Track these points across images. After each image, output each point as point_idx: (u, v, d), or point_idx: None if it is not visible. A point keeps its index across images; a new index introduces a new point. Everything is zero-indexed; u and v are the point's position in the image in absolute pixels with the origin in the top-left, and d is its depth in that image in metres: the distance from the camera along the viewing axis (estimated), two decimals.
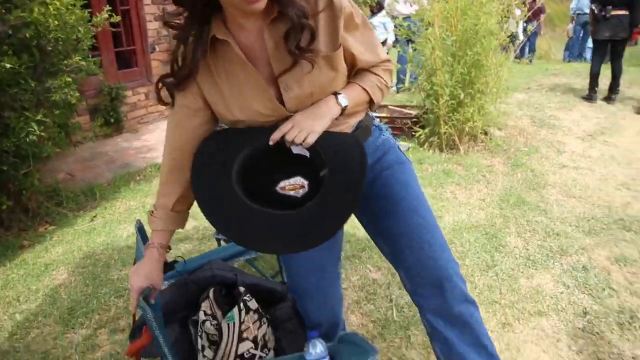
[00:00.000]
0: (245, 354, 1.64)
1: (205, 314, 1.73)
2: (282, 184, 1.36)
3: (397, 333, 2.35)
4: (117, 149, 5.28)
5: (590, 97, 6.10)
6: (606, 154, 4.37)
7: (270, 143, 1.30)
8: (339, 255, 1.69)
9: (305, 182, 1.35)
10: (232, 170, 1.34)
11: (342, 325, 1.79)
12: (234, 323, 1.64)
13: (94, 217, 3.86)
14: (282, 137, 1.29)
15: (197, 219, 3.62)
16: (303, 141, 1.27)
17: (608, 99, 6.05)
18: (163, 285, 1.85)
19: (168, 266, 1.57)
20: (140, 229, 1.77)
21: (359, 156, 1.29)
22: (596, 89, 6.09)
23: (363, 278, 2.77)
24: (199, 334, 1.72)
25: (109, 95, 5.38)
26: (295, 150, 1.36)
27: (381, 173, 1.47)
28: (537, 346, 2.21)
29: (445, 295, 1.40)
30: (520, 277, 2.61)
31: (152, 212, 1.46)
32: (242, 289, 1.76)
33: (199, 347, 1.70)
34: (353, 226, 3.26)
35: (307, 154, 1.36)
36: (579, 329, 2.28)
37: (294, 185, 1.38)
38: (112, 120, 5.45)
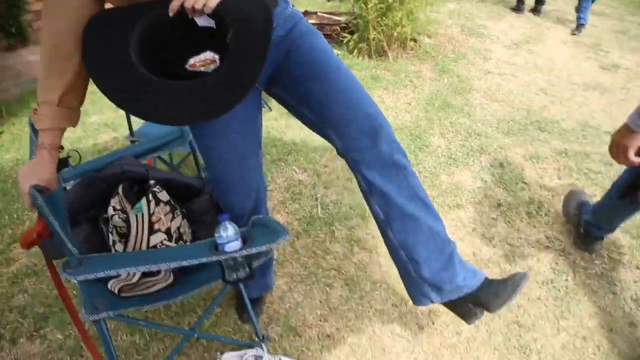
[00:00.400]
0: (158, 245, 1.57)
1: (115, 209, 1.62)
2: (191, 61, 1.23)
3: (322, 229, 2.37)
4: (24, 63, 4.79)
5: (518, 8, 6.16)
6: (529, 62, 4.47)
7: (170, 14, 1.15)
8: (259, 143, 1.62)
9: (216, 56, 1.23)
10: (131, 40, 1.19)
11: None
12: (142, 214, 1.55)
13: (1, 133, 3.53)
14: (183, 6, 1.14)
15: (116, 130, 3.40)
16: (204, 6, 1.14)
17: (535, 10, 6.13)
18: (68, 185, 1.72)
19: (62, 162, 1.42)
20: (33, 125, 1.59)
21: (263, 13, 1.17)
22: (524, 0, 6.14)
23: (289, 180, 2.73)
24: (110, 230, 1.63)
25: (4, 3, 4.75)
26: (200, 22, 1.22)
27: (294, 42, 1.37)
28: (455, 235, 2.31)
29: (380, 144, 1.36)
30: (442, 174, 2.68)
31: (36, 109, 1.28)
32: (152, 182, 1.66)
33: (110, 243, 1.61)
34: (279, 131, 3.18)
35: (213, 24, 1.23)
36: (493, 218, 2.40)
37: (204, 62, 1.26)
38: (12, 30, 4.86)
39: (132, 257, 1.41)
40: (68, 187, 1.69)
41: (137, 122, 2.64)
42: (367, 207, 2.41)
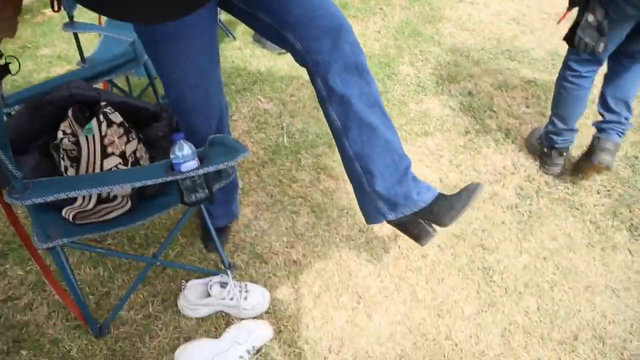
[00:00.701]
0: (112, 169, 1.48)
1: (65, 133, 1.51)
2: None
3: (288, 157, 2.30)
4: None
5: None
6: None
7: None
8: (218, 59, 1.51)
9: None
10: None
11: None
12: (93, 136, 1.45)
13: None
14: None
15: (70, 63, 3.17)
16: None
17: None
18: (12, 110, 1.58)
19: (2, 69, 1.28)
20: None
21: None
22: None
23: (254, 109, 2.63)
24: (61, 156, 1.52)
25: None
26: None
27: None
28: (422, 162, 2.28)
29: (342, 45, 1.28)
30: (410, 102, 2.62)
31: None
32: (104, 103, 1.54)
33: (62, 169, 1.51)
34: (244, 60, 3.03)
35: None
36: (460, 146, 2.38)
37: None
38: None
39: (81, 179, 1.32)
40: (12, 112, 1.56)
41: (89, 49, 2.45)
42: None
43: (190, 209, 1.55)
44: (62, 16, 3.05)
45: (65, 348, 1.55)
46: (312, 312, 1.70)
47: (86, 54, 2.31)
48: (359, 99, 1.34)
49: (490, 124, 2.49)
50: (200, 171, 1.28)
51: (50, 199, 1.20)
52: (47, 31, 3.55)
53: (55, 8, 2.09)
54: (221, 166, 1.30)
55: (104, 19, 2.49)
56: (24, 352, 1.54)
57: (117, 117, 1.51)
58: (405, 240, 1.92)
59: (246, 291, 1.66)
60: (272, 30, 1.33)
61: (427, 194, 1.49)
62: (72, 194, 1.23)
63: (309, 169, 2.22)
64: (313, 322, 1.66)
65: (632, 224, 2.00)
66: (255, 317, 1.66)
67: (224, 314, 1.66)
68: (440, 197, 1.50)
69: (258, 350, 1.57)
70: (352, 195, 2.11)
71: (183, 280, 1.66)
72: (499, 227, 2.00)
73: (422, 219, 1.53)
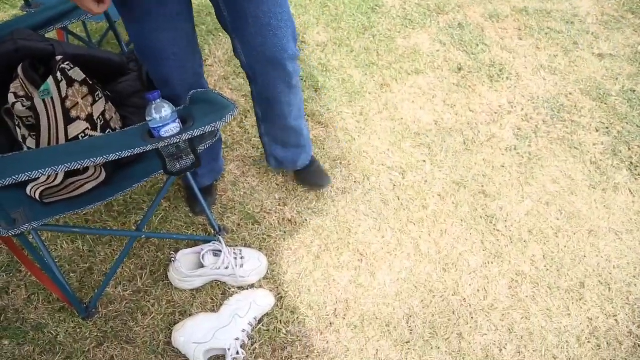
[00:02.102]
0: (80, 136, 1.25)
1: (17, 96, 1.25)
2: None
3: None
4: None
5: None
6: None
7: None
8: (190, 5, 1.26)
9: None
10: None
11: None
12: (51, 98, 1.20)
13: None
14: None
15: (14, 6, 2.75)
16: None
17: None
18: None
19: None
20: None
21: None
22: None
23: (229, 52, 2.35)
24: (16, 123, 1.27)
25: None
26: None
27: None
28: (414, 103, 2.10)
29: (277, 79, 1.39)
30: (398, 38, 2.39)
31: None
32: (59, 57, 1.28)
33: (20, 139, 1.27)
34: None
35: None
36: (454, 84, 2.20)
37: None
38: None
39: (44, 155, 1.09)
40: None
41: None
42: (320, 79, 2.14)
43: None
44: None
45: (52, 333, 1.40)
46: (313, 274, 1.57)
47: None
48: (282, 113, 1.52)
49: (483, 59, 2.31)
50: (185, 136, 1.08)
51: (9, 182, 0.99)
52: None
53: None
54: (208, 128, 1.10)
55: None
56: (5, 342, 1.38)
57: (78, 74, 1.26)
58: (403, 190, 1.80)
59: (241, 257, 1.52)
60: (226, 26, 1.31)
61: (300, 162, 1.74)
62: (35, 174, 1.02)
63: None
64: (315, 285, 1.55)
65: (631, 163, 1.91)
66: (253, 285, 1.53)
67: (219, 283, 1.52)
68: (311, 165, 1.78)
69: (260, 321, 1.45)
70: (344, 144, 1.95)
71: (172, 252, 1.50)
72: (499, 172, 1.88)
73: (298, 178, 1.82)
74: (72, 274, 1.52)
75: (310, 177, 1.77)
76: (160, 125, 1.07)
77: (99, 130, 1.28)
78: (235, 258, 1.50)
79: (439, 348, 1.42)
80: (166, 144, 1.10)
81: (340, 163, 1.88)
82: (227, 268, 1.48)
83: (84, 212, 1.64)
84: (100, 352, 1.37)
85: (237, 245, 1.61)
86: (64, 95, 1.22)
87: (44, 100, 1.18)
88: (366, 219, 1.72)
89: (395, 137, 1.98)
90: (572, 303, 1.53)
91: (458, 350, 1.42)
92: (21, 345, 1.38)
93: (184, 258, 1.50)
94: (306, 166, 1.76)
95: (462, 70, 2.25)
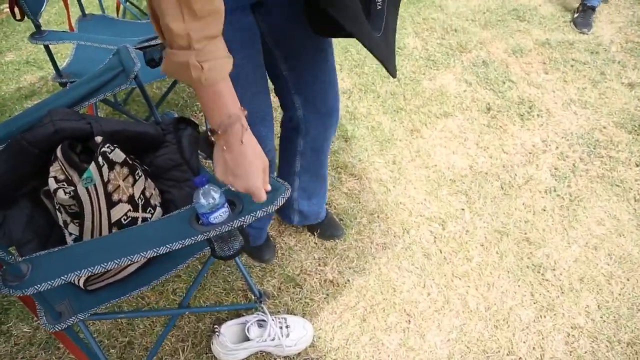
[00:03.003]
0: (123, 219, 1.22)
1: (57, 181, 1.22)
2: None
3: None
4: None
5: None
6: None
7: None
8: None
9: None
10: None
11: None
12: (94, 185, 1.17)
13: None
14: None
15: (42, 68, 2.79)
16: None
17: None
18: None
19: None
20: None
21: None
22: None
23: None
24: (57, 208, 1.25)
25: None
26: None
27: None
28: (446, 148, 2.05)
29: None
30: (423, 80, 2.35)
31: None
32: (99, 138, 1.26)
33: (61, 223, 1.24)
34: None
35: None
36: (484, 125, 2.15)
37: None
38: None
39: (92, 249, 1.05)
40: None
41: (62, 59, 2.11)
42: (349, 128, 2.10)
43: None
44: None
45: None
46: (361, 339, 1.50)
47: (59, 63, 1.98)
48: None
49: (511, 96, 2.26)
50: (236, 223, 1.04)
51: (57, 283, 0.96)
52: (8, 33, 3.12)
53: (18, 16, 1.76)
54: (259, 213, 1.05)
55: (73, 24, 2.13)
56: None
57: (118, 156, 1.24)
58: (445, 242, 1.73)
59: (287, 326, 1.46)
60: (282, 84, 1.35)
61: (322, 214, 1.76)
62: (84, 273, 0.98)
63: (328, 169, 1.97)
64: (364, 351, 1.48)
65: None
66: (300, 353, 1.46)
67: (264, 353, 1.46)
68: (327, 218, 1.79)
69: None
70: (380, 195, 1.90)
71: (216, 325, 1.44)
72: (540, 216, 1.81)
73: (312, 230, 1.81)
74: (111, 350, 1.47)
75: (326, 229, 1.78)
76: (208, 212, 1.03)
77: (140, 210, 1.25)
78: (281, 327, 1.44)
79: None
80: (217, 232, 1.06)
81: (378, 217, 1.82)
82: (273, 339, 1.42)
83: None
84: None
85: (279, 312, 1.55)
86: (106, 179, 1.20)
87: (87, 189, 1.16)
88: (410, 275, 1.66)
89: (430, 185, 1.92)
90: (637, 358, 1.44)
91: None
92: None
93: (228, 330, 1.44)
94: (323, 218, 1.78)
95: (491, 110, 2.20)
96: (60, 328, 1.06)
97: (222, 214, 1.05)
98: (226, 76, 0.77)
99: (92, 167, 1.19)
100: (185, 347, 1.49)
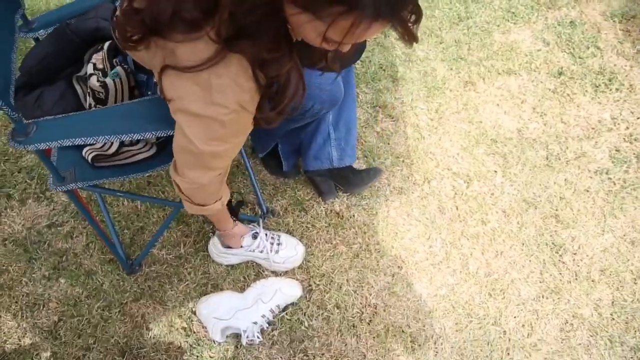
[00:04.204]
0: None
1: (95, 68, 1.30)
2: None
3: None
4: None
5: None
6: None
7: None
8: None
9: None
10: None
11: None
12: (120, 80, 1.23)
13: None
14: None
15: None
16: None
17: None
18: (38, 35, 1.38)
19: None
20: None
21: None
22: None
23: None
24: (87, 92, 1.33)
25: None
26: None
27: None
28: (499, 107, 1.87)
29: None
30: (495, 32, 2.12)
31: None
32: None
33: (87, 106, 1.33)
34: None
35: None
36: (549, 90, 1.92)
37: None
38: None
39: (91, 119, 1.12)
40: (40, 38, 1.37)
41: None
42: (401, 69, 1.99)
43: None
44: None
45: (99, 281, 1.48)
46: (348, 272, 1.49)
47: None
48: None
49: (591, 65, 1.97)
50: None
51: (54, 145, 1.04)
52: None
53: None
54: None
55: None
56: (62, 280, 1.50)
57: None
58: (464, 200, 1.62)
59: (278, 244, 1.48)
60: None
61: (348, 159, 1.57)
62: (77, 142, 1.05)
63: (366, 106, 1.89)
64: (347, 285, 1.47)
65: None
66: (286, 271, 1.49)
67: (255, 264, 1.51)
68: (353, 168, 1.64)
69: (285, 308, 1.41)
70: (412, 141, 1.80)
71: (211, 233, 1.50)
72: (580, 196, 1.62)
73: (333, 180, 1.64)
74: (126, 230, 1.59)
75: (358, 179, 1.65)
76: None
77: None
78: (272, 244, 1.47)
79: None
80: None
81: (403, 161, 1.74)
82: (262, 252, 1.45)
83: (147, 174, 1.72)
84: (135, 307, 1.44)
85: (279, 230, 1.57)
86: (132, 84, 1.25)
87: (114, 81, 1.22)
88: (417, 224, 1.59)
89: (468, 141, 1.78)
90: None
91: None
92: (73, 286, 1.48)
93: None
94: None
95: (563, 75, 1.94)
96: (60, 190, 1.17)
97: None
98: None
99: (119, 68, 1.24)
100: (187, 242, 1.57)
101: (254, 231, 1.46)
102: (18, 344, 1.39)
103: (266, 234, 1.47)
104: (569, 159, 1.71)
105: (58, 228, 1.61)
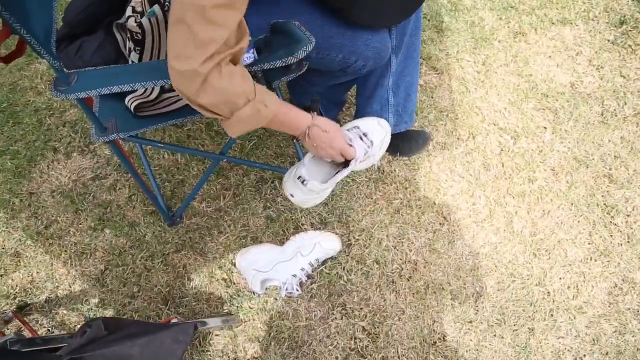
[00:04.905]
0: None
1: (134, 11, 1.27)
2: None
3: None
4: None
5: None
6: None
7: None
8: None
9: None
10: None
11: None
12: (156, 19, 1.20)
13: None
14: None
15: None
16: None
17: None
18: None
19: None
20: None
21: None
22: None
23: None
24: (128, 36, 1.31)
25: None
26: None
27: None
28: (551, 59, 1.75)
29: None
30: None
31: None
32: None
33: (126, 51, 1.31)
34: None
35: None
36: (608, 41, 1.77)
37: None
38: None
39: (128, 71, 1.11)
40: None
41: None
42: (446, 19, 1.88)
43: None
44: None
45: (141, 232, 1.51)
46: (388, 228, 1.47)
47: None
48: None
49: None
50: (255, 68, 1.01)
51: (93, 93, 1.03)
52: None
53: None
54: (278, 63, 1.01)
55: None
56: (107, 231, 1.54)
57: None
58: (511, 157, 1.55)
59: (364, 134, 1.21)
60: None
61: (404, 125, 1.51)
62: (114, 89, 1.04)
63: None
64: (387, 240, 1.44)
65: None
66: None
67: (293, 217, 1.50)
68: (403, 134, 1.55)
69: (324, 262, 1.41)
70: (456, 95, 1.72)
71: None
72: (637, 155, 1.52)
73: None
74: (166, 183, 1.60)
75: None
76: None
77: None
78: (360, 137, 1.19)
79: (502, 337, 1.26)
80: None
81: (447, 115, 1.67)
82: (364, 155, 1.16)
83: (187, 127, 1.72)
84: (177, 258, 1.46)
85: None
86: (168, 20, 1.22)
87: (149, 20, 1.19)
88: (460, 180, 1.53)
89: (517, 95, 1.68)
90: None
91: (524, 345, 1.24)
92: (117, 237, 1.52)
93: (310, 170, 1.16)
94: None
95: (625, 25, 1.79)
96: (102, 140, 1.17)
97: (246, 58, 1.03)
98: (280, 102, 0.96)
99: (156, 6, 1.21)
100: (227, 195, 1.57)
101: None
102: (69, 289, 1.45)
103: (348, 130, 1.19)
104: (626, 115, 1.60)
105: (102, 180, 1.64)
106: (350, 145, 1.13)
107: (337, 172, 1.17)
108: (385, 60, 1.24)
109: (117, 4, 1.31)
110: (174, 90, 1.27)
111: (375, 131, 1.23)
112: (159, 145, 1.56)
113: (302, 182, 1.14)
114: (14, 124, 1.81)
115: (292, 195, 1.18)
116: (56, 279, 1.47)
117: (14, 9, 0.89)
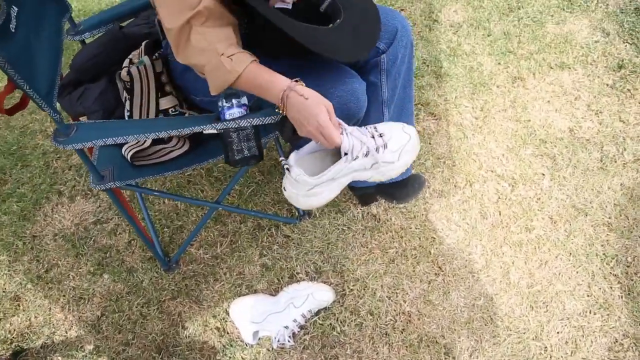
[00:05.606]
0: (170, 110, 1.28)
1: (131, 62, 1.33)
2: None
3: None
4: None
5: None
6: None
7: None
8: None
9: None
10: None
11: None
12: (144, 66, 1.24)
13: None
14: None
15: None
16: None
17: None
18: (84, 37, 1.41)
19: None
20: None
21: None
22: None
23: None
24: (122, 85, 1.36)
25: None
26: None
27: None
28: (549, 104, 1.75)
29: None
30: (549, 23, 1.98)
31: None
32: (165, 42, 1.30)
33: (124, 99, 1.36)
34: None
35: None
36: (607, 85, 1.77)
37: None
38: None
39: (124, 126, 1.15)
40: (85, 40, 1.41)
41: None
42: (445, 64, 1.90)
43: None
44: None
45: (139, 278, 1.53)
46: (383, 278, 1.45)
47: None
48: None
49: None
50: (243, 122, 1.03)
51: (89, 145, 1.07)
52: None
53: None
54: (268, 120, 1.03)
55: None
56: (105, 276, 1.56)
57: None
58: (508, 205, 1.54)
59: (380, 135, 1.07)
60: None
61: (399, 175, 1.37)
62: (109, 142, 1.08)
63: None
64: (381, 290, 1.43)
65: None
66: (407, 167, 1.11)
67: (288, 266, 1.50)
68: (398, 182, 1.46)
69: (317, 313, 1.40)
70: (454, 142, 1.72)
71: (282, 159, 1.11)
72: (638, 203, 1.49)
73: (377, 195, 1.56)
74: (166, 229, 1.63)
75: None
76: (226, 107, 1.04)
77: (185, 109, 1.30)
78: (374, 136, 1.04)
79: None
80: (224, 127, 1.06)
81: (444, 162, 1.67)
82: (366, 154, 1.02)
83: (188, 173, 1.75)
84: (173, 305, 1.47)
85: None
86: (158, 70, 1.26)
87: (138, 68, 1.24)
88: (457, 229, 1.52)
89: (515, 141, 1.68)
90: None
91: None
92: (115, 282, 1.54)
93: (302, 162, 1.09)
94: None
95: (623, 69, 1.79)
96: (100, 188, 1.20)
97: (237, 113, 1.05)
98: (253, 60, 0.96)
99: (145, 57, 1.26)
100: (224, 242, 1.58)
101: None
102: (65, 335, 1.46)
103: (360, 131, 1.04)
104: (626, 161, 1.58)
105: (103, 225, 1.67)
106: (341, 134, 0.98)
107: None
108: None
109: (124, 55, 1.37)
110: (164, 142, 1.31)
111: (396, 135, 1.07)
112: (155, 193, 1.59)
113: (287, 169, 1.06)
114: (22, 166, 1.87)
115: (284, 188, 1.12)
116: (53, 324, 1.49)
117: (21, 68, 0.94)
